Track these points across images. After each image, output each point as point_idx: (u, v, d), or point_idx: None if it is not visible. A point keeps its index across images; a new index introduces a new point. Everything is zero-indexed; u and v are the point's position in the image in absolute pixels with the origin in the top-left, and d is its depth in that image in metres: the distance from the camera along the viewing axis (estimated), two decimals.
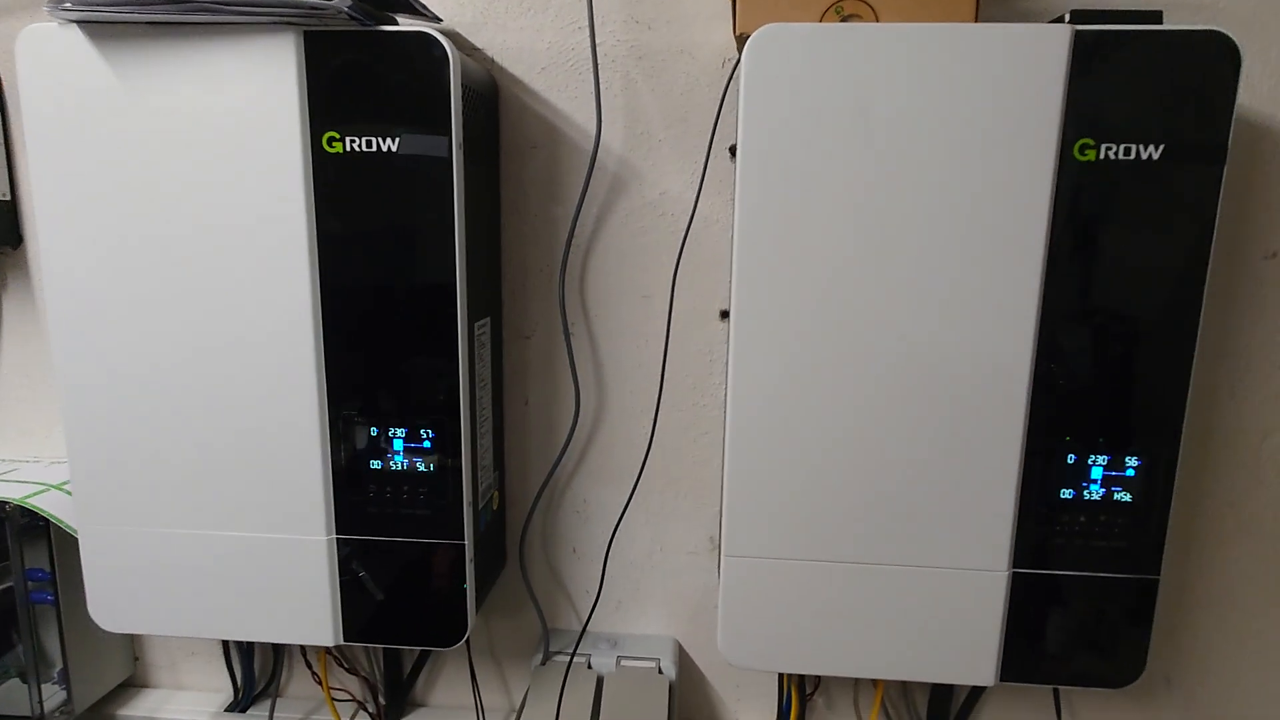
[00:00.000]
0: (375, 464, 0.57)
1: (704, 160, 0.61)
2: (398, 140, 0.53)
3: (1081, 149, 0.50)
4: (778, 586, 0.56)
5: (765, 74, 0.50)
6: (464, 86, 0.54)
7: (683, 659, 0.71)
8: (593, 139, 0.62)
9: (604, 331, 0.66)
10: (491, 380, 0.64)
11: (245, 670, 0.73)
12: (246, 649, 0.73)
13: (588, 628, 0.71)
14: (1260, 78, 0.58)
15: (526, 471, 0.69)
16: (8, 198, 0.68)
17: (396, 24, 0.53)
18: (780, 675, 0.69)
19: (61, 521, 0.62)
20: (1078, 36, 0.48)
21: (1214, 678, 0.67)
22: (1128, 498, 0.54)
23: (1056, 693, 0.66)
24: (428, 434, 0.57)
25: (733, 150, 0.62)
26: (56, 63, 0.53)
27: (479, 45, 0.63)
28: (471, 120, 0.57)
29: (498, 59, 0.63)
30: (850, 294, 0.52)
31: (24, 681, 0.70)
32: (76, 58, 0.53)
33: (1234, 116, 0.49)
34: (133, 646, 0.76)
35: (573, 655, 0.66)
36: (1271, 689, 0.67)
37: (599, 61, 0.62)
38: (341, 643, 0.60)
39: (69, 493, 0.64)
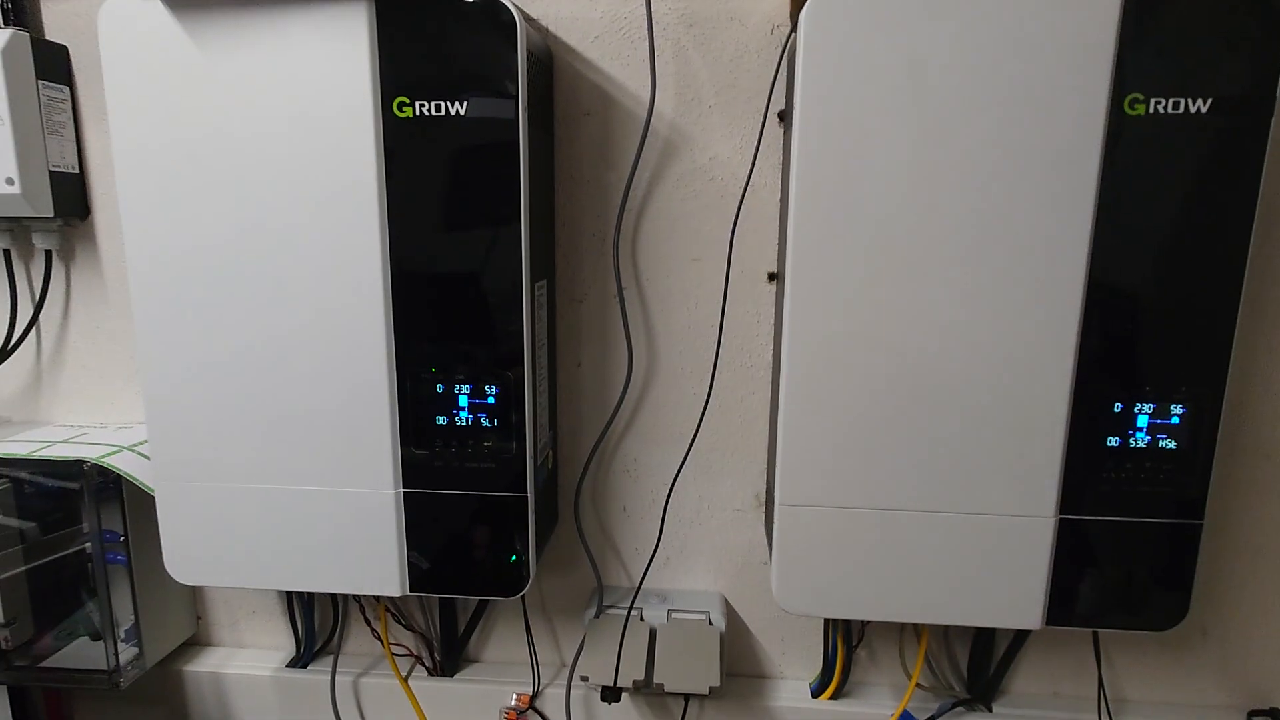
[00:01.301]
0: (441, 419, 0.60)
1: (759, 126, 0.63)
2: (466, 104, 0.55)
3: (1131, 103, 0.51)
4: (831, 535, 0.58)
5: (823, 38, 0.52)
6: (529, 53, 0.56)
7: (729, 613, 0.73)
8: (644, 105, 0.64)
9: (655, 295, 0.68)
10: (547, 342, 0.66)
11: (306, 626, 0.75)
12: (308, 606, 0.75)
13: (634, 584, 0.73)
14: None
15: (579, 432, 0.71)
16: (76, 170, 0.70)
17: None
18: (825, 627, 0.71)
19: (137, 480, 0.65)
20: None
21: (1249, 629, 0.69)
22: (1172, 445, 0.55)
23: (1096, 637, 0.68)
24: (492, 390, 0.59)
25: (781, 115, 0.64)
26: (138, 36, 0.55)
27: (534, 15, 0.65)
28: (531, 87, 0.58)
29: (552, 28, 0.65)
30: (903, 250, 0.54)
31: (94, 639, 0.73)
32: (157, 30, 0.55)
33: None
34: (195, 605, 0.78)
35: (629, 609, 0.69)
36: None
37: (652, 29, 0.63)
38: (408, 593, 0.62)
39: (142, 454, 0.67)
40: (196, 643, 0.79)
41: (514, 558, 0.61)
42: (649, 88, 0.63)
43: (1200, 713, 0.70)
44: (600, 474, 0.72)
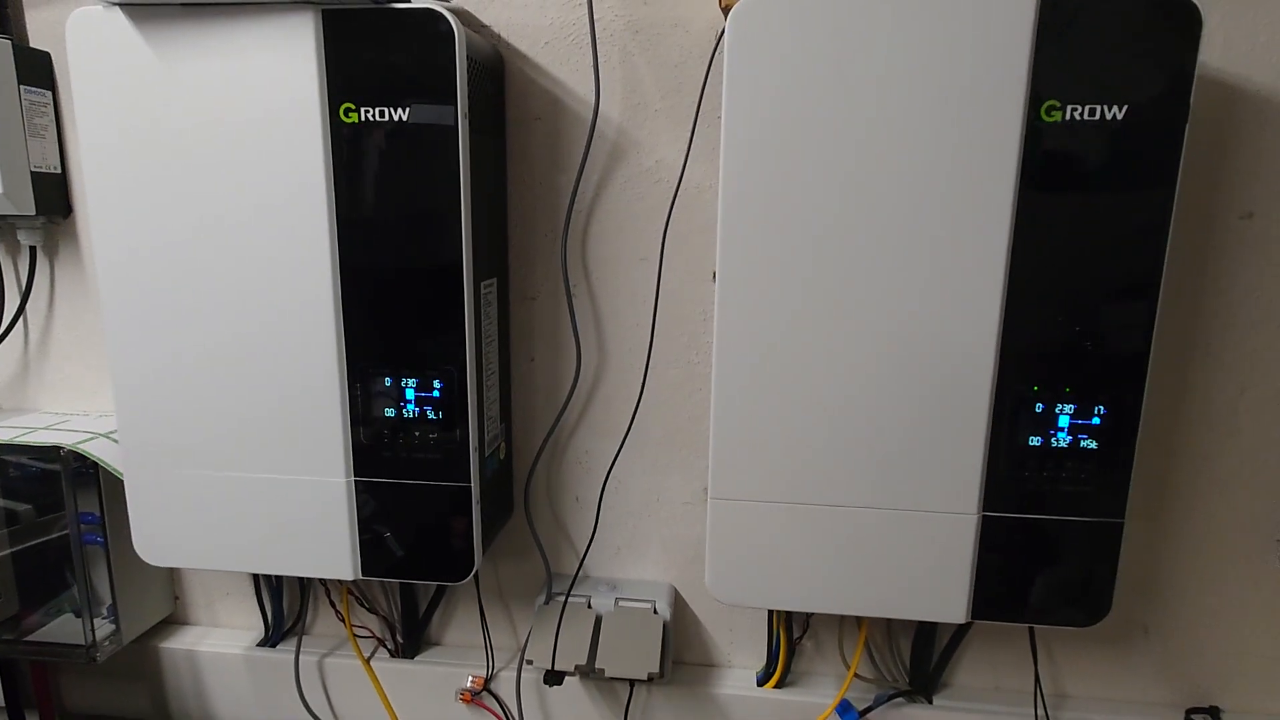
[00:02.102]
0: (389, 411, 0.62)
1: (692, 128, 0.65)
2: (408, 110, 0.57)
3: (1048, 110, 0.52)
4: (761, 528, 0.60)
5: (748, 42, 0.53)
6: (470, 60, 0.58)
7: (678, 603, 0.75)
8: (593, 110, 0.66)
9: (604, 292, 0.70)
10: (498, 338, 0.68)
11: (275, 608, 0.79)
12: (276, 589, 0.79)
13: (590, 573, 0.76)
14: (1236, 40, 0.60)
15: (532, 425, 0.73)
16: (58, 170, 0.74)
17: (409, 1, 0.57)
18: (770, 619, 0.73)
19: (108, 464, 0.68)
20: None
21: (1191, 628, 0.70)
22: (1093, 445, 0.57)
23: (1032, 633, 0.69)
24: (437, 384, 0.62)
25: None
26: (102, 43, 0.58)
27: (486, 22, 0.67)
28: (478, 92, 0.61)
29: (504, 35, 0.67)
30: (828, 251, 0.55)
31: (76, 616, 0.77)
32: (119, 38, 0.58)
33: (1195, 77, 0.51)
34: (173, 586, 0.82)
35: (567, 595, 0.71)
36: (1248, 640, 0.69)
37: (597, 35, 0.65)
38: (360, 577, 0.65)
39: (115, 440, 0.70)
40: (174, 621, 0.83)
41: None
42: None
43: (1140, 709, 0.71)
44: (554, 465, 0.74)
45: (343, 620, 0.76)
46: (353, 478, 0.63)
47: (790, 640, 0.72)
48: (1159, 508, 0.68)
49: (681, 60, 0.66)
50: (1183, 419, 0.66)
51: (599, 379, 0.72)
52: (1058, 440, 0.57)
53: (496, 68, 0.66)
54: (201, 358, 0.62)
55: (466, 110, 0.57)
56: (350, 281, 0.60)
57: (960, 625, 0.70)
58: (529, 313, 0.71)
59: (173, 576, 0.82)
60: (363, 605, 0.78)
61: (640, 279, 0.69)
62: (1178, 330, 0.64)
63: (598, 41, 0.65)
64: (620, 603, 0.72)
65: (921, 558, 0.59)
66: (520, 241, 0.70)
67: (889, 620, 0.72)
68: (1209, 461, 0.66)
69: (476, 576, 0.76)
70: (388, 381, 0.62)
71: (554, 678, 0.66)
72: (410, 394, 0.62)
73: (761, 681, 0.74)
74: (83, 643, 0.74)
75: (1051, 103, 0.52)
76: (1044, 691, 0.72)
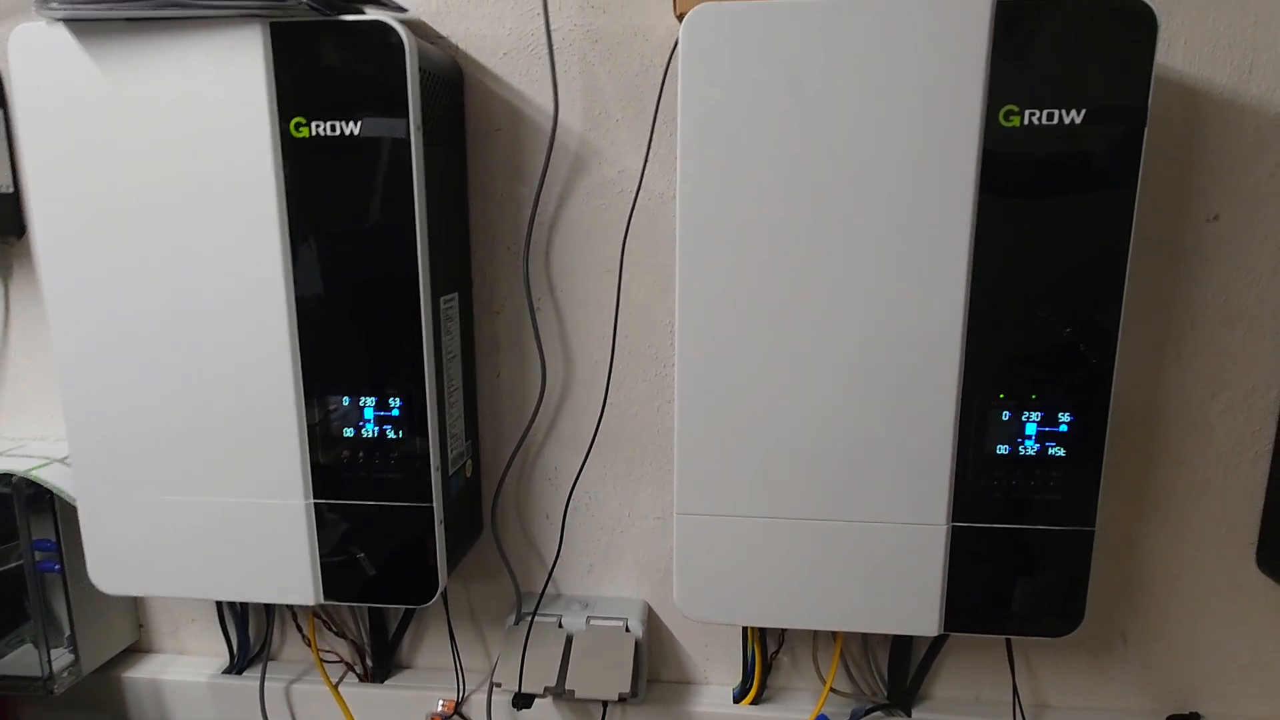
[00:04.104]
0: (348, 431, 0.61)
1: (649, 138, 0.64)
2: (359, 124, 0.56)
3: (1006, 115, 0.52)
4: (729, 543, 0.59)
5: (701, 51, 0.53)
6: (425, 72, 0.58)
7: (652, 620, 0.74)
8: (552, 120, 0.65)
9: (569, 305, 0.69)
10: (462, 353, 0.67)
11: (240, 635, 0.77)
12: (241, 615, 0.77)
13: (562, 592, 0.74)
14: (1197, 42, 0.59)
15: (500, 442, 0.72)
16: (10, 190, 0.72)
17: (362, 13, 0.56)
18: (745, 635, 0.71)
19: (62, 491, 0.66)
20: (999, 4, 0.50)
21: (1170, 634, 0.69)
22: (1061, 452, 0.56)
23: (1009, 644, 0.68)
24: (396, 403, 0.60)
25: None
26: (45, 59, 0.57)
27: (444, 34, 0.66)
28: (434, 104, 0.60)
29: (462, 46, 0.66)
30: (789, 262, 0.55)
31: (36, 646, 0.75)
32: (63, 54, 0.57)
33: (1154, 79, 0.50)
34: (137, 613, 0.80)
35: (533, 614, 0.70)
36: (1226, 646, 0.68)
37: (557, 45, 0.65)
38: (322, 601, 0.63)
39: (69, 466, 0.69)
40: (139, 649, 0.81)
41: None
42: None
43: (1121, 717, 0.70)
44: (523, 482, 0.73)
45: (310, 645, 0.74)
46: (312, 500, 0.62)
47: (765, 656, 0.71)
48: (1134, 514, 0.67)
49: (642, 69, 0.65)
50: (1156, 424, 0.65)
51: (566, 393, 0.71)
52: (1025, 448, 0.56)
53: (454, 79, 0.65)
54: (154, 379, 0.61)
55: (420, 123, 0.56)
56: (305, 299, 0.59)
57: (937, 637, 0.69)
58: (494, 327, 0.70)
59: (137, 604, 0.80)
60: (331, 629, 0.76)
61: (606, 291, 0.68)
62: (1148, 334, 0.64)
63: (556, 51, 0.64)
64: (592, 621, 0.70)
65: (891, 570, 0.58)
66: (483, 255, 0.69)
67: (865, 634, 0.71)
68: (1183, 466, 0.66)
69: (445, 598, 0.75)
70: (345, 401, 0.61)
71: (523, 701, 0.65)
72: (369, 413, 0.61)
73: (738, 698, 0.72)
74: (39, 675, 0.72)
75: (1009, 107, 0.52)
76: (1024, 702, 0.71)
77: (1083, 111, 0.51)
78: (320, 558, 0.63)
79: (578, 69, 0.65)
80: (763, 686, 0.72)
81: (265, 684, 0.74)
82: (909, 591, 0.58)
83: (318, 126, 0.56)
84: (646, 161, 0.64)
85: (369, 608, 0.75)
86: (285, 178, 0.57)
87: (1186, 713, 0.69)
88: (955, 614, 0.58)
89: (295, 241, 0.58)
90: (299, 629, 0.76)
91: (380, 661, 0.76)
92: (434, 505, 0.61)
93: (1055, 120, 0.51)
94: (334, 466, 0.61)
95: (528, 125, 0.67)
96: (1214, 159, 0.61)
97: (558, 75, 0.65)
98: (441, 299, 0.62)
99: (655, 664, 0.75)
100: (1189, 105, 0.60)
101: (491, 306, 0.70)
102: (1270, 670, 0.68)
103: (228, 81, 0.56)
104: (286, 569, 0.63)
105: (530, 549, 0.74)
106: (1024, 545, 0.57)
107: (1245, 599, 0.67)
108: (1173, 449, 0.66)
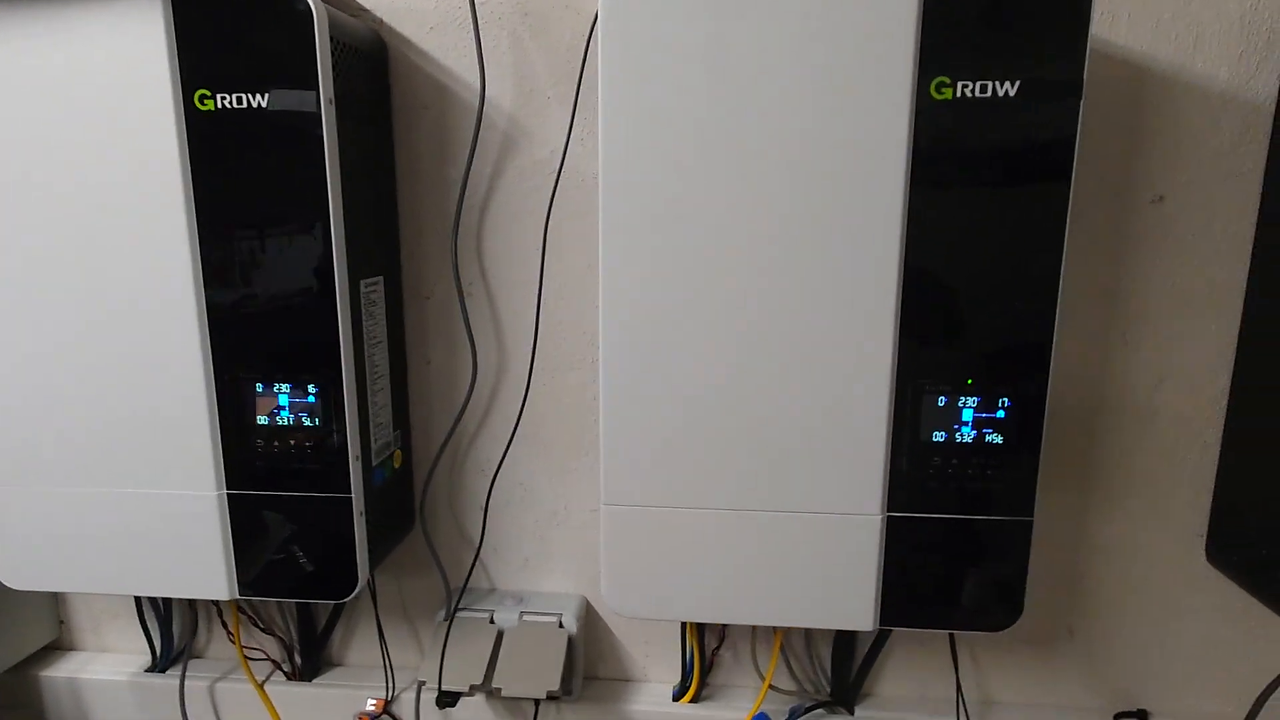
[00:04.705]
0: (262, 419, 0.58)
1: (571, 115, 0.62)
2: (268, 96, 0.53)
3: (938, 87, 0.50)
4: (658, 534, 0.57)
5: (621, 23, 0.50)
6: (340, 43, 0.55)
7: (590, 616, 0.71)
8: (479, 97, 0.63)
9: (502, 290, 0.67)
10: (388, 339, 0.64)
11: (163, 632, 0.74)
12: (165, 611, 0.74)
13: (497, 586, 0.72)
14: (1140, 17, 0.58)
15: (431, 432, 0.70)
16: None
17: None
18: (683, 630, 0.69)
19: None
20: None
21: (1115, 629, 0.67)
22: (999, 439, 0.54)
23: (952, 639, 0.66)
24: (312, 389, 0.58)
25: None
26: None
27: (366, 5, 0.63)
28: (351, 78, 0.57)
29: (386, 19, 0.64)
30: (715, 242, 0.52)
31: None
32: None
33: (1089, 51, 0.48)
34: (57, 610, 0.77)
35: (453, 611, 0.67)
36: (1175, 640, 0.67)
37: (484, 19, 0.62)
38: (236, 597, 0.61)
39: None
40: (59, 647, 0.78)
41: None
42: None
43: (1068, 714, 0.68)
44: (455, 474, 0.70)
45: (234, 642, 0.72)
46: (224, 491, 0.59)
47: (705, 653, 0.69)
48: (1081, 505, 0.65)
49: (573, 43, 0.62)
50: (1101, 412, 0.64)
51: (499, 382, 0.68)
52: (962, 435, 0.54)
53: (376, 53, 0.62)
54: (57, 367, 0.58)
55: (332, 96, 0.54)
56: (215, 282, 0.56)
57: (879, 632, 0.67)
58: (423, 313, 0.68)
59: (56, 600, 0.77)
60: (258, 626, 0.73)
61: (538, 275, 0.66)
62: (1090, 319, 0.62)
63: (483, 25, 0.62)
64: (525, 617, 0.68)
65: (825, 563, 0.56)
66: (412, 237, 0.67)
67: (808, 630, 0.69)
68: (1128, 455, 0.64)
69: (374, 592, 0.72)
70: (259, 388, 0.58)
71: (446, 699, 0.62)
72: (284, 400, 0.58)
73: (677, 696, 0.70)
74: None
75: (941, 79, 0.50)
76: (969, 698, 0.69)
77: (1016, 83, 0.49)
78: (235, 551, 0.60)
79: (507, 43, 0.63)
80: (702, 684, 0.70)
81: (186, 683, 0.71)
82: (844, 585, 0.56)
83: (223, 99, 0.54)
84: (569, 139, 0.62)
85: (297, 603, 0.72)
86: (190, 153, 0.54)
87: (1134, 710, 0.68)
88: (892, 608, 0.56)
89: (203, 220, 0.55)
90: (224, 625, 0.73)
91: (309, 659, 0.73)
92: (353, 496, 0.59)
93: (989, 93, 0.49)
94: (248, 456, 0.59)
95: (456, 103, 0.64)
96: (1159, 138, 0.59)
97: (485, 50, 0.62)
98: (363, 282, 0.60)
99: (593, 661, 0.73)
100: (1133, 82, 0.59)
101: (421, 291, 0.67)
102: (1219, 665, 0.67)
103: (125, 52, 0.53)
104: (199, 562, 0.60)
105: (463, 542, 0.72)
106: (962, 536, 0.55)
107: (1194, 592, 0.66)
108: (1119, 438, 0.64)
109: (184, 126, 0.54)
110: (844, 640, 0.68)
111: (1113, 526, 0.65)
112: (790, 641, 0.70)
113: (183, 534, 0.60)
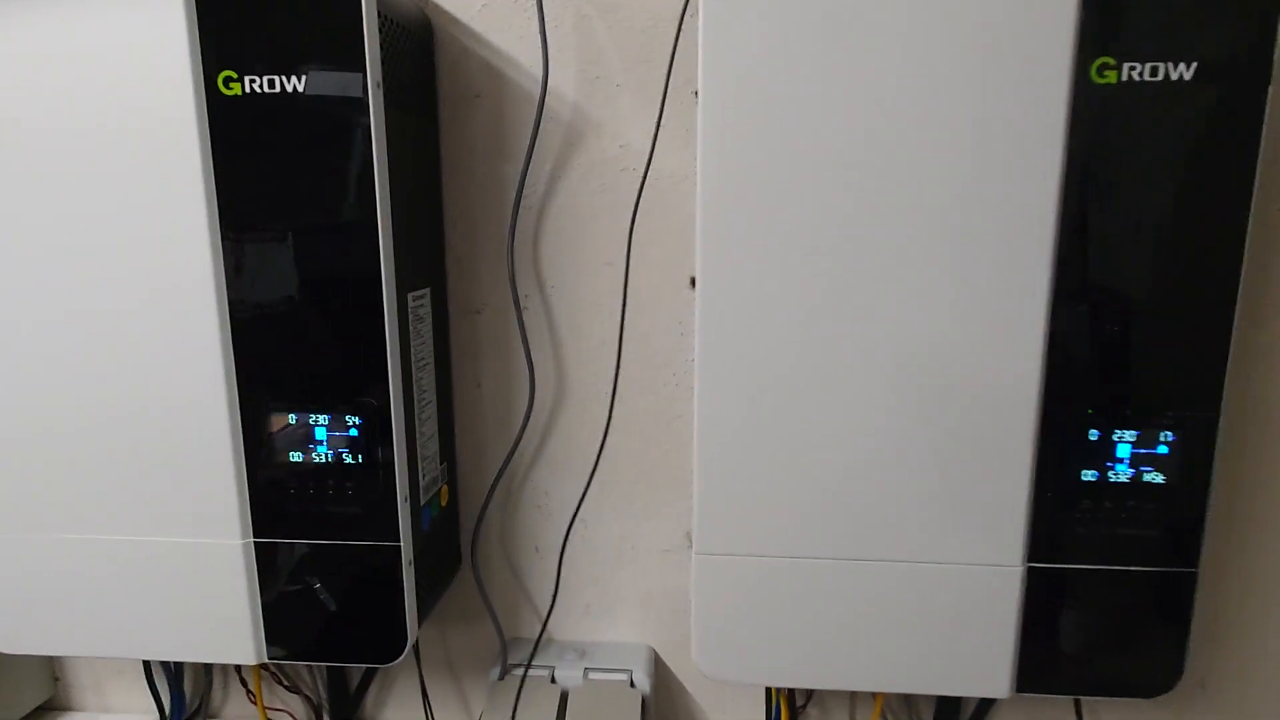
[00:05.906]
0: (296, 456, 0.50)
1: (660, 106, 0.54)
2: (304, 79, 0.45)
3: (1100, 70, 0.42)
4: (758, 588, 0.49)
5: (727, 1, 0.43)
6: (386, 19, 0.47)
7: (659, 669, 0.64)
8: (541, 84, 0.55)
9: (562, 304, 0.59)
10: (434, 360, 0.57)
11: (173, 691, 0.66)
12: (175, 668, 0.66)
13: (551, 636, 0.64)
14: None
15: (482, 464, 0.62)
16: None
17: None
18: (768, 686, 0.61)
19: None
20: None
21: (1253, 681, 0.60)
22: (1160, 479, 0.46)
23: (1078, 703, 0.58)
24: (353, 421, 0.50)
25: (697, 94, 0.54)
26: None
27: None
28: (397, 62, 0.50)
29: None
30: (831, 254, 0.45)
31: None
32: None
33: None
34: (52, 667, 0.69)
35: (527, 668, 0.59)
36: None
37: None
38: (265, 661, 0.53)
39: None
40: (54, 707, 0.69)
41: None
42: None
43: None
44: (509, 510, 0.62)
45: (255, 702, 0.63)
46: (251, 539, 0.51)
47: (793, 710, 0.61)
48: (1217, 543, 0.58)
49: (651, 24, 0.55)
50: (1243, 441, 0.56)
51: (558, 407, 0.60)
52: (1116, 474, 0.47)
53: (422, 34, 0.55)
54: (58, 393, 0.50)
55: (380, 79, 0.46)
56: (240, 297, 0.48)
57: None
58: (474, 329, 0.60)
59: (52, 657, 0.69)
60: (282, 684, 0.65)
61: (605, 287, 0.58)
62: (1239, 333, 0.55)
63: (545, 2, 0.54)
64: (590, 674, 0.60)
65: (954, 621, 0.48)
66: (461, 244, 0.59)
67: None
68: (1266, 489, 0.57)
69: (417, 648, 0.64)
70: (292, 419, 0.50)
71: None
72: (321, 434, 0.50)
73: None
74: None
75: (1104, 60, 0.42)
76: None
77: (1193, 65, 0.42)
78: (262, 608, 0.52)
79: (571, 24, 0.55)
80: None
81: None
82: (976, 645, 0.48)
83: (252, 82, 0.46)
84: (657, 134, 0.54)
85: None
86: (213, 146, 0.46)
87: None
88: (1030, 671, 0.49)
89: (226, 225, 0.47)
90: (244, 684, 0.65)
91: None
92: (401, 544, 0.51)
93: (1160, 75, 0.42)
94: (278, 498, 0.51)
95: (512, 91, 0.56)
96: None
97: (548, 31, 0.55)
98: (410, 296, 0.52)
99: (663, 718, 0.65)
100: None
101: (470, 305, 0.60)
102: None
103: (139, 28, 0.45)
104: (221, 622, 0.52)
105: (518, 588, 0.64)
106: (1113, 589, 0.48)
107: None
108: (1259, 470, 0.57)
109: (205, 113, 0.46)
110: (948, 698, 0.60)
111: (1245, 566, 0.58)
112: (888, 698, 0.62)
113: (202, 589, 0.52)
